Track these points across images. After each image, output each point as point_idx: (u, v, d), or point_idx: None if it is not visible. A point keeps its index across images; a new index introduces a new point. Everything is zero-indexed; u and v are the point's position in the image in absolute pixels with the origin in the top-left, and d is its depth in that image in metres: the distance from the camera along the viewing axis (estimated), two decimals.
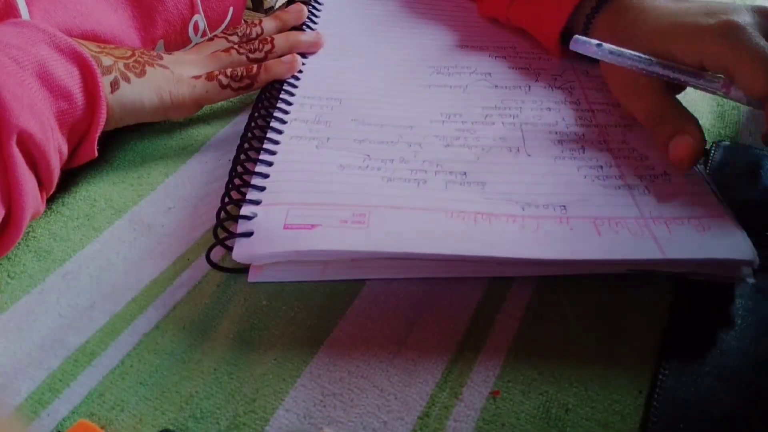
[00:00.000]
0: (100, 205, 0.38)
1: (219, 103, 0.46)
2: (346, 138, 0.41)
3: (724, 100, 0.47)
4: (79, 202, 0.39)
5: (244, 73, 0.43)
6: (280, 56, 0.46)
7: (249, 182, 0.37)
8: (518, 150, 0.40)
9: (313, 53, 0.48)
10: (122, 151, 0.42)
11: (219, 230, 0.35)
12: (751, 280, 0.33)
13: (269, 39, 0.47)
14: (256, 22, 0.49)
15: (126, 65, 0.39)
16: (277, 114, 0.42)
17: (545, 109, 0.44)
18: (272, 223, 0.34)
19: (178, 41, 0.48)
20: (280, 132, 0.41)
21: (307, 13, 0.51)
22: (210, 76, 0.43)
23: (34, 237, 0.36)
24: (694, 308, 0.33)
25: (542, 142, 0.41)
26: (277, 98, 0.43)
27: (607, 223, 0.35)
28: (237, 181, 0.37)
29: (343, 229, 0.34)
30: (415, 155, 0.40)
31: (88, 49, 0.37)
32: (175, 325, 0.32)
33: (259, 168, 0.38)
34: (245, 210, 0.35)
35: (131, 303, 0.33)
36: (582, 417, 0.29)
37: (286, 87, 0.44)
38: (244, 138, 0.40)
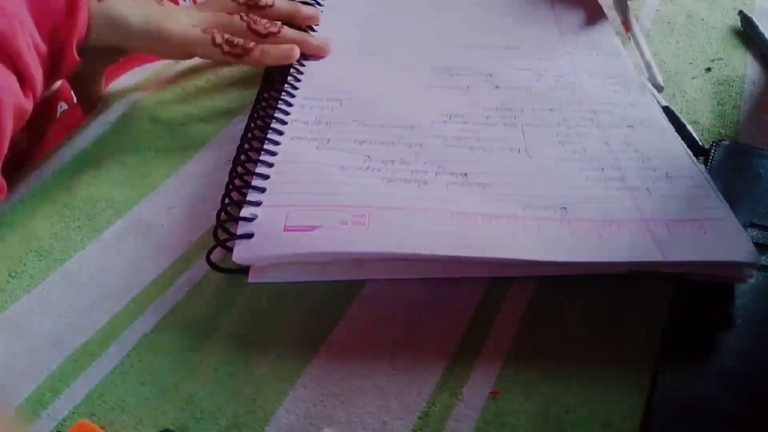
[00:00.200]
0: (100, 205, 0.38)
1: (219, 103, 0.46)
2: (347, 139, 0.41)
3: (724, 100, 0.47)
4: (80, 202, 0.39)
5: (240, 43, 0.43)
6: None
7: (249, 183, 0.37)
8: (519, 151, 0.40)
9: (314, 57, 0.48)
10: (123, 151, 0.42)
11: (219, 231, 0.35)
12: (752, 281, 0.33)
13: (279, 25, 0.46)
14: None
15: None
16: (277, 115, 0.42)
17: (547, 110, 0.44)
18: (272, 224, 0.34)
19: None
20: (280, 133, 0.41)
21: (319, 22, 0.51)
22: (206, 30, 0.42)
23: (35, 236, 0.36)
24: (694, 308, 0.33)
25: (544, 144, 0.41)
26: (278, 99, 0.43)
27: (608, 225, 0.35)
28: (237, 182, 0.37)
29: (343, 230, 0.34)
30: (416, 156, 0.40)
31: None
32: (176, 326, 0.32)
33: (260, 169, 0.38)
34: (245, 211, 0.35)
35: (131, 303, 0.33)
36: (582, 417, 0.29)
37: (286, 87, 0.44)
38: (244, 138, 0.40)
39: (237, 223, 0.35)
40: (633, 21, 0.53)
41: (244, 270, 0.34)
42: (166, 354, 0.31)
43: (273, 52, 0.44)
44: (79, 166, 0.41)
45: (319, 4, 0.55)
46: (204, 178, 0.40)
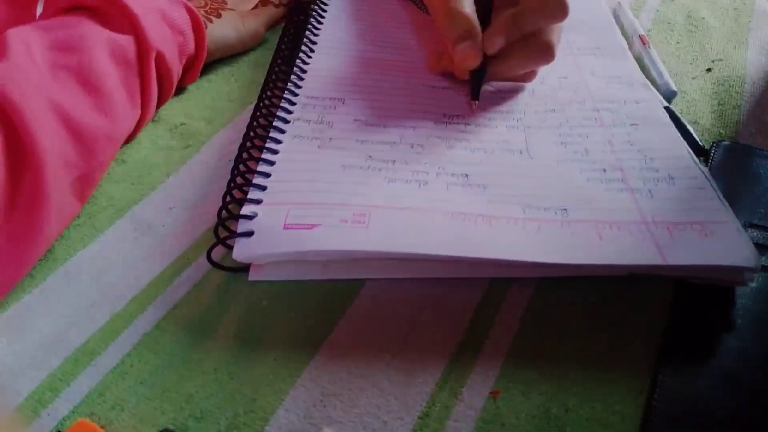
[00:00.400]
0: (101, 205, 0.38)
1: (219, 103, 0.46)
2: (349, 138, 0.41)
3: (724, 100, 0.47)
4: None
5: None
6: None
7: (251, 181, 0.37)
8: (521, 153, 0.40)
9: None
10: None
11: (220, 229, 0.35)
12: (752, 284, 0.33)
13: None
14: None
15: (206, 11, 0.49)
16: (280, 113, 0.42)
17: (549, 111, 0.44)
18: (272, 222, 0.34)
19: None
20: (282, 131, 0.41)
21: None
22: (264, 1, 0.53)
23: None
24: (694, 308, 0.33)
25: (545, 145, 0.41)
26: (280, 97, 0.43)
27: (609, 227, 0.34)
28: (239, 180, 0.37)
29: (343, 228, 0.34)
30: (417, 156, 0.40)
31: None
32: (176, 325, 0.32)
33: (261, 167, 0.38)
34: (246, 209, 0.35)
35: (132, 302, 0.33)
36: (582, 417, 0.29)
37: (289, 86, 0.44)
38: (246, 137, 0.40)
39: (238, 221, 0.35)
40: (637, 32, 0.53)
41: (244, 268, 0.34)
42: (166, 353, 0.31)
43: None
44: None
45: (324, 4, 0.54)
46: (204, 178, 0.40)
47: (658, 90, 0.47)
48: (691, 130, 0.43)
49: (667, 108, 0.44)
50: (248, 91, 0.48)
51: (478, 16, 0.43)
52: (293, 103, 0.43)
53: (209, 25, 0.47)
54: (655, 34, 0.55)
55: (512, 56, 0.43)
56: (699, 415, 0.28)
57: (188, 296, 0.34)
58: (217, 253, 0.35)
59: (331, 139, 0.41)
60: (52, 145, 0.33)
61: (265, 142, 0.40)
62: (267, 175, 0.37)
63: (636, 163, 0.39)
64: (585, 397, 0.29)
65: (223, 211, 0.36)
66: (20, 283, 0.34)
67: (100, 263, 0.35)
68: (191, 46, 0.45)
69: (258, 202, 0.36)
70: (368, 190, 0.37)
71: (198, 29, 0.45)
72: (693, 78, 0.50)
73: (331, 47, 0.50)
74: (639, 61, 0.50)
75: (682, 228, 0.34)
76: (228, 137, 0.44)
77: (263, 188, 0.37)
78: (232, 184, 0.37)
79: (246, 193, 0.36)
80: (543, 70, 0.48)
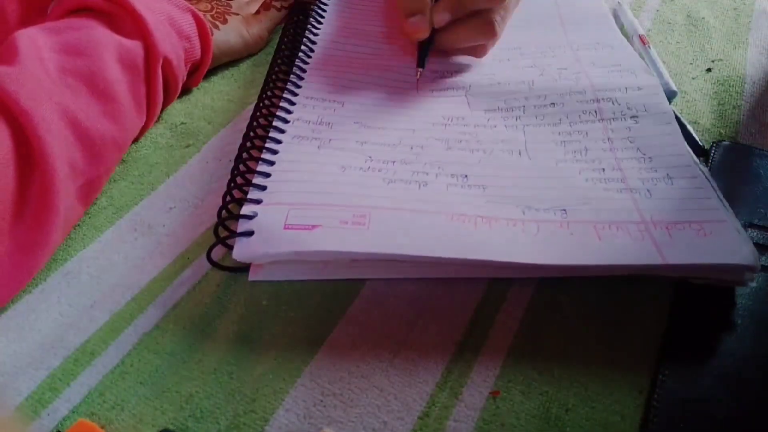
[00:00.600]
0: (101, 205, 0.38)
1: (220, 103, 0.46)
2: (348, 139, 0.41)
3: (725, 100, 0.47)
4: None
5: None
6: None
7: (251, 181, 0.37)
8: (520, 153, 0.40)
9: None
10: None
11: (220, 229, 0.35)
12: (752, 284, 0.33)
13: None
14: None
15: (212, 16, 0.48)
16: (280, 113, 0.42)
17: (549, 105, 0.44)
18: (272, 222, 0.34)
19: None
20: (282, 131, 0.41)
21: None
22: (266, 5, 0.53)
23: None
24: (694, 308, 0.33)
25: (545, 145, 0.41)
26: (280, 98, 0.43)
27: (608, 227, 0.34)
28: (239, 180, 0.37)
29: (343, 229, 0.34)
30: (417, 157, 0.40)
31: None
32: (176, 325, 0.32)
33: (261, 167, 0.38)
34: (246, 209, 0.35)
35: (132, 302, 0.33)
36: (582, 417, 0.29)
37: (289, 86, 0.44)
38: (246, 137, 0.40)
39: (238, 220, 0.35)
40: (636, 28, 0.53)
41: (244, 268, 0.34)
42: (166, 353, 0.31)
43: None
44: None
45: (324, 4, 0.54)
46: (204, 178, 0.40)
47: None
48: (691, 130, 0.43)
49: None
50: (248, 91, 0.48)
51: None
52: (293, 104, 0.43)
53: (215, 31, 0.48)
54: (655, 34, 0.55)
55: (457, 30, 0.46)
56: (699, 415, 0.28)
57: (188, 296, 0.34)
58: (217, 253, 0.35)
59: (330, 140, 0.41)
60: (61, 151, 0.33)
61: (265, 142, 0.40)
62: (267, 175, 0.37)
63: (635, 163, 0.39)
64: (585, 397, 0.29)
65: (223, 211, 0.36)
66: None
67: (100, 263, 0.35)
68: (197, 53, 0.45)
69: (258, 202, 0.36)
70: (368, 191, 0.37)
71: (204, 35, 0.45)
72: (693, 78, 0.50)
73: (331, 47, 0.50)
74: None
75: (681, 227, 0.34)
76: (228, 137, 0.44)
77: (263, 188, 0.37)
78: (232, 184, 0.37)
79: (246, 193, 0.36)
80: (544, 65, 0.48)
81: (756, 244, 0.33)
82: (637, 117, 0.42)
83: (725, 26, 0.56)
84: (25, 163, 0.32)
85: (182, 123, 0.45)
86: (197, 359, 0.31)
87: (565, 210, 0.36)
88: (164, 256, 0.35)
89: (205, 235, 0.37)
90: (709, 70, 0.51)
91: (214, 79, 0.49)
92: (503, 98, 0.45)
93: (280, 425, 0.28)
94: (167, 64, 0.41)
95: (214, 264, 0.34)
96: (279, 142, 0.40)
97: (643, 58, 0.50)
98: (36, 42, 0.35)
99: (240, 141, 0.40)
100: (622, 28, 0.54)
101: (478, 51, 0.48)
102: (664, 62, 0.50)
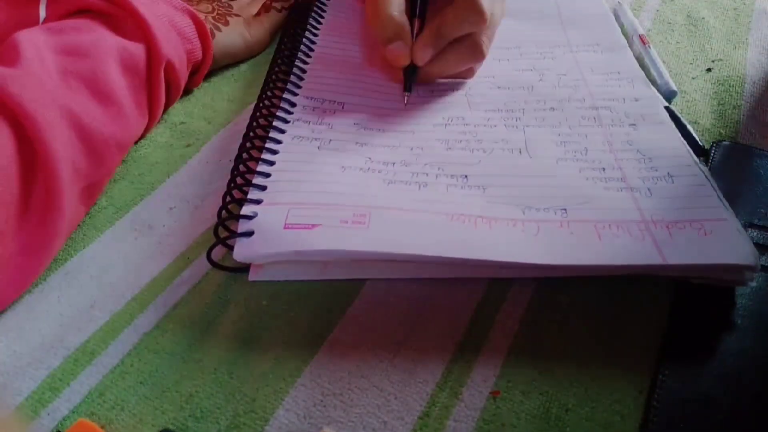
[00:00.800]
0: (101, 204, 0.38)
1: (220, 103, 0.46)
2: (348, 140, 0.41)
3: (725, 100, 0.47)
4: None
5: None
6: None
7: (251, 181, 0.37)
8: (520, 152, 0.40)
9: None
10: None
11: (220, 229, 0.35)
12: (752, 284, 0.33)
13: None
14: None
15: (214, 18, 0.48)
16: (280, 114, 0.42)
17: (549, 110, 0.44)
18: (273, 222, 0.34)
19: None
20: (282, 132, 0.41)
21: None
22: (266, 7, 0.52)
23: None
24: (694, 308, 0.33)
25: (545, 144, 0.41)
26: (280, 98, 0.43)
27: (608, 226, 0.34)
28: (239, 180, 0.37)
29: (343, 228, 0.34)
30: (417, 158, 0.40)
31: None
32: (176, 325, 0.32)
33: (261, 167, 0.38)
34: (246, 209, 0.35)
35: (132, 302, 0.33)
36: (582, 417, 0.29)
37: (289, 86, 0.44)
38: (246, 137, 0.40)
39: (238, 221, 0.35)
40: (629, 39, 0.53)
41: (244, 268, 0.34)
42: (166, 353, 0.31)
43: None
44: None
45: (323, 5, 0.54)
46: (204, 178, 0.40)
47: (658, 90, 0.47)
48: (691, 130, 0.43)
49: (667, 108, 0.44)
50: (248, 91, 0.48)
51: (412, 10, 0.44)
52: (293, 104, 0.43)
53: (218, 33, 0.47)
54: (655, 34, 0.55)
55: (446, 57, 0.44)
56: (699, 415, 0.28)
57: (188, 296, 0.34)
58: (217, 253, 0.35)
59: (330, 140, 0.41)
60: (64, 153, 0.33)
61: (265, 142, 0.40)
62: (267, 175, 0.37)
63: (635, 162, 0.39)
64: (585, 397, 0.29)
65: (223, 211, 0.36)
66: None
67: (100, 263, 0.35)
68: (198, 54, 0.45)
69: (258, 202, 0.36)
70: (368, 191, 0.37)
71: (203, 36, 0.45)
72: (693, 78, 0.50)
73: (331, 48, 0.50)
74: (639, 61, 0.50)
75: (682, 227, 0.34)
76: (228, 137, 0.44)
77: (263, 188, 0.37)
78: (232, 184, 0.37)
79: (246, 193, 0.36)
80: (543, 68, 0.48)
81: (756, 244, 0.33)
82: (635, 125, 0.42)
83: (725, 26, 0.56)
84: (29, 166, 0.32)
85: (182, 123, 0.45)
86: (197, 359, 0.31)
87: (565, 209, 0.36)
88: (164, 256, 0.35)
89: (205, 235, 0.37)
90: (709, 70, 0.51)
91: (215, 79, 0.49)
92: (503, 101, 0.45)
93: (280, 425, 0.28)
94: (170, 66, 0.41)
95: (214, 264, 0.34)
96: (279, 142, 0.40)
97: (643, 58, 0.50)
98: (37, 43, 0.35)
99: (240, 141, 0.40)
100: (622, 27, 0.54)
101: (467, 74, 0.46)
102: (664, 62, 0.50)
